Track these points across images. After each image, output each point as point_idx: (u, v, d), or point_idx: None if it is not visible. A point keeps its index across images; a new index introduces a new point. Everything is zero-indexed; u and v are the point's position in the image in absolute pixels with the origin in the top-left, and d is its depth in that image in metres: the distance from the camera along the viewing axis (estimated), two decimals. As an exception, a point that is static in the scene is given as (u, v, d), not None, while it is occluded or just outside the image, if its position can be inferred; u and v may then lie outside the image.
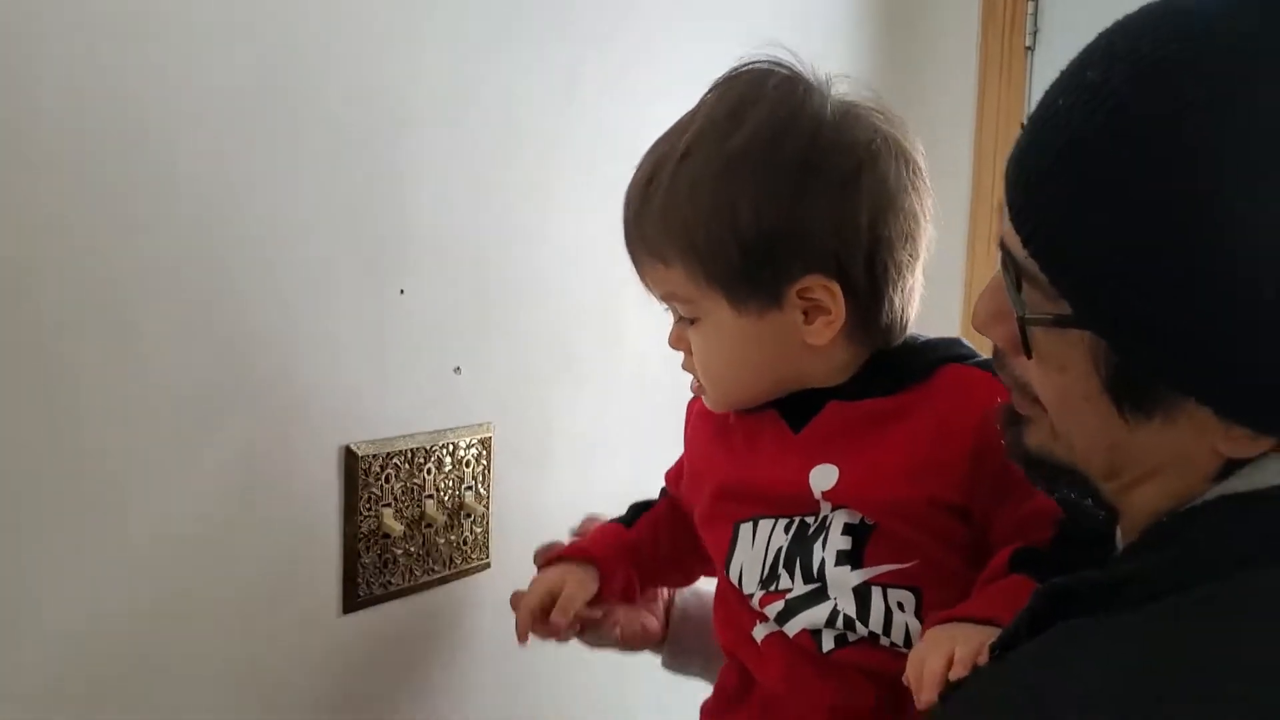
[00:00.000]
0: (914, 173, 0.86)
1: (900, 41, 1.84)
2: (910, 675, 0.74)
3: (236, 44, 0.88)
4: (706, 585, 1.02)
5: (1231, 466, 0.60)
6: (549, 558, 1.01)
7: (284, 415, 0.94)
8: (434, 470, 1.07)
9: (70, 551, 0.83)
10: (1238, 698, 0.53)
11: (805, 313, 0.85)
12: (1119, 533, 0.69)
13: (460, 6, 1.05)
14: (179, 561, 0.89)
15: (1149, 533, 0.64)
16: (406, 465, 1.04)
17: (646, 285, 0.90)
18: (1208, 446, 0.60)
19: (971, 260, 1.90)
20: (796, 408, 0.90)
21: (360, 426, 1.01)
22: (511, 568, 1.14)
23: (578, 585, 0.98)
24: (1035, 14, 1.84)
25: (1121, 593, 0.60)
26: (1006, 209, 0.63)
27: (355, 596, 1.01)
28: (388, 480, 1.03)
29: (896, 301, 0.86)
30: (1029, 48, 1.85)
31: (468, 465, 1.11)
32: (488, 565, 1.16)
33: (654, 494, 1.08)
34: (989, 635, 0.69)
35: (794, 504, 0.88)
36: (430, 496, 1.07)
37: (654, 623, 1.04)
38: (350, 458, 0.99)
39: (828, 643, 0.87)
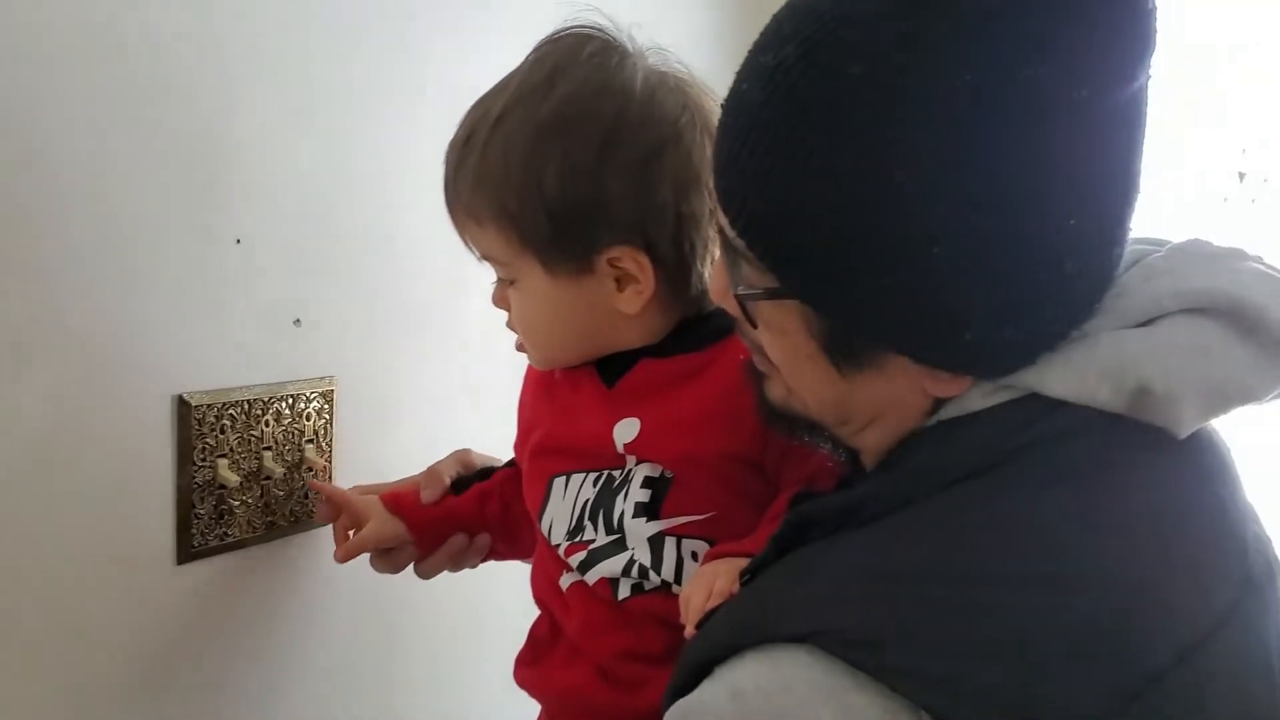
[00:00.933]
0: None
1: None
2: (680, 609, 0.79)
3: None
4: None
5: (943, 400, 0.67)
6: (385, 494, 1.07)
7: (110, 362, 0.93)
8: (272, 422, 1.07)
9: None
10: (944, 591, 0.59)
11: (617, 280, 0.89)
12: None
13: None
14: None
15: (881, 461, 0.71)
16: (243, 417, 1.04)
17: (466, 244, 0.93)
18: (918, 389, 0.67)
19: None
20: (613, 365, 0.94)
21: (195, 377, 1.01)
22: (355, 521, 1.16)
23: (372, 532, 1.05)
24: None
25: (856, 514, 0.66)
26: (716, 192, 0.68)
27: (190, 547, 1.01)
28: (223, 431, 1.03)
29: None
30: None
31: (309, 418, 1.11)
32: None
33: (497, 448, 1.10)
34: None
35: (601, 458, 0.92)
36: (269, 449, 1.07)
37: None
38: (183, 407, 0.99)
39: (623, 591, 0.91)
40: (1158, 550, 0.63)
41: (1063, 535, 0.61)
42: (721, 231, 0.69)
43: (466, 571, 1.12)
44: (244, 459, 1.05)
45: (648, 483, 0.90)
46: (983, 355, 0.64)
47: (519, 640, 1.02)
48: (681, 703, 0.63)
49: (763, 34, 0.65)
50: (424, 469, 1.10)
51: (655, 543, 0.89)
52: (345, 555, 1.06)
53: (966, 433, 0.65)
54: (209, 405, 1.01)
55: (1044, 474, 0.63)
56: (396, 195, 1.17)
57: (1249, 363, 0.65)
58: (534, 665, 1.00)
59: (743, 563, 0.75)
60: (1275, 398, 0.69)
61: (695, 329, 0.93)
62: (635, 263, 0.88)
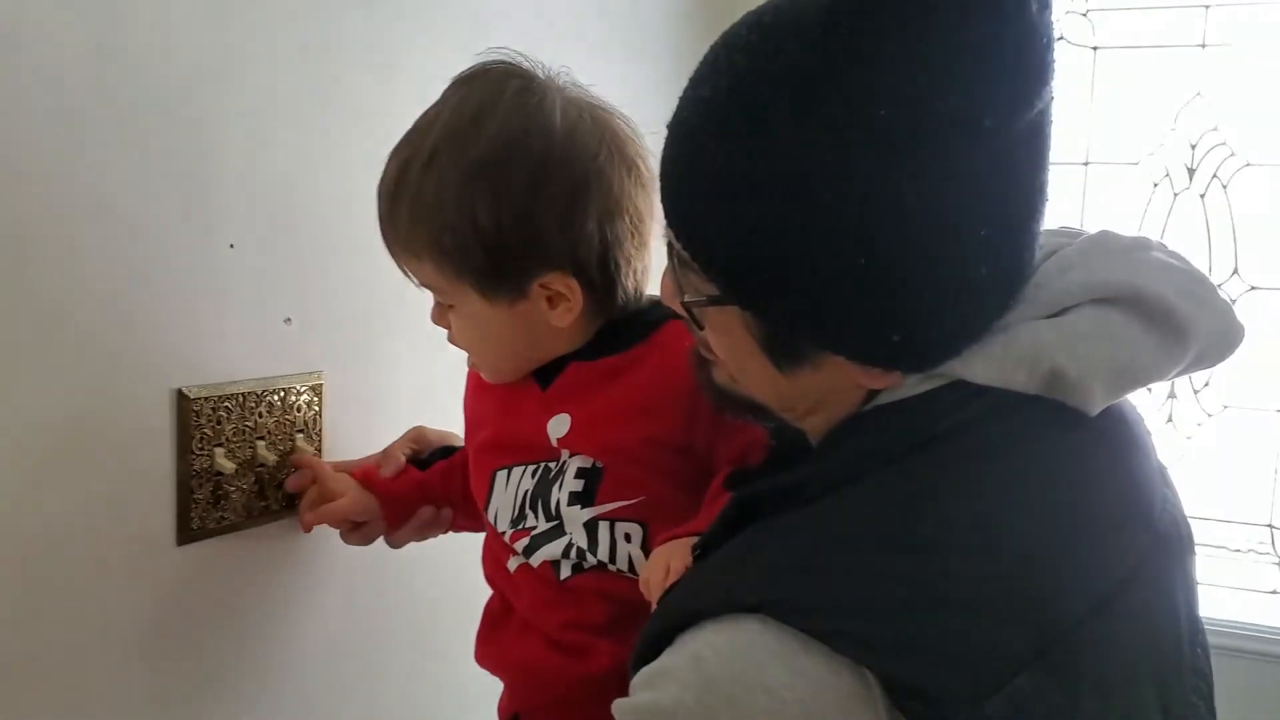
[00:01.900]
0: (637, 178, 0.96)
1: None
2: (641, 589, 0.87)
3: (59, 17, 0.94)
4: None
5: (878, 390, 0.74)
6: (355, 471, 1.16)
7: (116, 359, 1.01)
8: (265, 414, 1.15)
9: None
10: (881, 560, 0.66)
11: (548, 299, 0.96)
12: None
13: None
14: (2, 486, 0.94)
15: (821, 442, 0.78)
16: (238, 409, 1.12)
17: (405, 274, 1.00)
18: (853, 382, 0.74)
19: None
20: (546, 369, 1.02)
21: (193, 372, 1.08)
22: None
23: (349, 504, 1.14)
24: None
25: (800, 492, 0.72)
26: (663, 209, 0.75)
27: (190, 529, 1.09)
28: (219, 422, 1.10)
29: (630, 285, 0.98)
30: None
31: (299, 410, 1.19)
32: (321, 504, 1.25)
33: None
34: None
35: (538, 451, 1.01)
36: (261, 438, 1.15)
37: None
38: (182, 400, 1.07)
39: (565, 571, 1.00)
40: (1070, 515, 0.70)
41: (986, 507, 0.68)
42: (670, 243, 0.76)
43: (453, 550, 1.21)
44: (239, 448, 1.13)
45: (580, 473, 0.98)
46: (909, 352, 0.71)
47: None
48: (646, 669, 0.68)
49: (699, 68, 0.72)
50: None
51: (590, 527, 0.98)
52: (315, 520, 1.14)
53: (899, 417, 0.72)
54: (206, 398, 1.09)
55: (969, 452, 0.70)
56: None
57: (1150, 346, 0.73)
58: (490, 642, 1.08)
59: (693, 542, 0.82)
60: (1178, 375, 0.77)
61: (619, 332, 1.00)
62: (565, 285, 0.95)
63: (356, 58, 1.23)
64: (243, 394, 1.13)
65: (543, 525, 1.00)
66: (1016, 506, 0.69)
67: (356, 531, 1.16)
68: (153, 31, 1.01)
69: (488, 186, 0.91)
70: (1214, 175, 2.17)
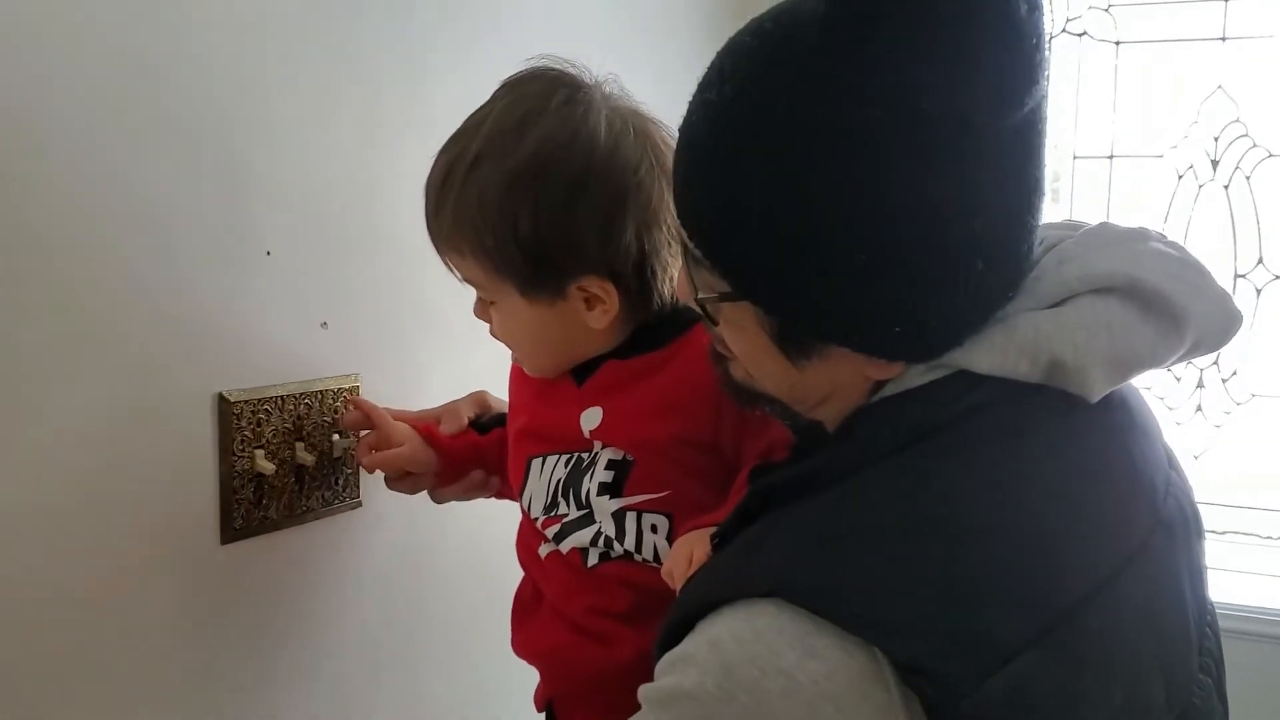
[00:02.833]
0: None
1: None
2: (664, 577, 0.91)
3: (100, 29, 0.98)
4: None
5: (884, 380, 0.77)
6: (416, 421, 1.19)
7: (159, 365, 1.05)
8: (303, 416, 1.19)
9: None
10: (890, 545, 0.68)
11: (586, 300, 0.99)
12: None
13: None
14: (56, 487, 0.97)
15: (833, 434, 0.80)
16: (277, 411, 1.16)
17: (449, 268, 1.03)
18: (859, 374, 0.77)
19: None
20: (581, 367, 1.05)
21: (234, 377, 1.12)
22: (380, 506, 1.29)
23: (409, 453, 1.16)
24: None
25: (813, 481, 0.75)
26: (676, 211, 0.79)
27: (232, 528, 1.13)
28: (259, 424, 1.14)
29: (666, 290, 1.01)
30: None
31: (336, 412, 1.23)
32: (359, 504, 1.28)
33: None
34: None
35: (571, 442, 1.04)
36: (300, 440, 1.19)
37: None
38: (224, 403, 1.11)
39: (592, 559, 1.03)
40: (1072, 500, 0.72)
41: (989, 491, 0.71)
42: (684, 243, 0.79)
43: (490, 549, 1.25)
44: (278, 449, 1.17)
45: (611, 465, 1.02)
46: (911, 344, 0.74)
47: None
48: (669, 655, 0.71)
49: (706, 73, 0.75)
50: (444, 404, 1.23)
51: (618, 517, 1.01)
52: (374, 464, 1.17)
53: (905, 407, 0.75)
54: (246, 401, 1.13)
55: (973, 438, 0.72)
56: (412, 209, 1.28)
57: (1147, 335, 0.75)
58: (521, 629, 1.12)
59: (713, 531, 0.85)
60: (1176, 361, 0.79)
61: (653, 332, 1.03)
62: (602, 289, 0.98)
63: (388, 64, 1.28)
64: (281, 397, 1.16)
65: (574, 513, 1.04)
66: (1019, 490, 0.71)
67: (405, 480, 1.19)
68: (195, 40, 1.05)
69: (528, 196, 0.94)
70: (1237, 166, 2.18)
